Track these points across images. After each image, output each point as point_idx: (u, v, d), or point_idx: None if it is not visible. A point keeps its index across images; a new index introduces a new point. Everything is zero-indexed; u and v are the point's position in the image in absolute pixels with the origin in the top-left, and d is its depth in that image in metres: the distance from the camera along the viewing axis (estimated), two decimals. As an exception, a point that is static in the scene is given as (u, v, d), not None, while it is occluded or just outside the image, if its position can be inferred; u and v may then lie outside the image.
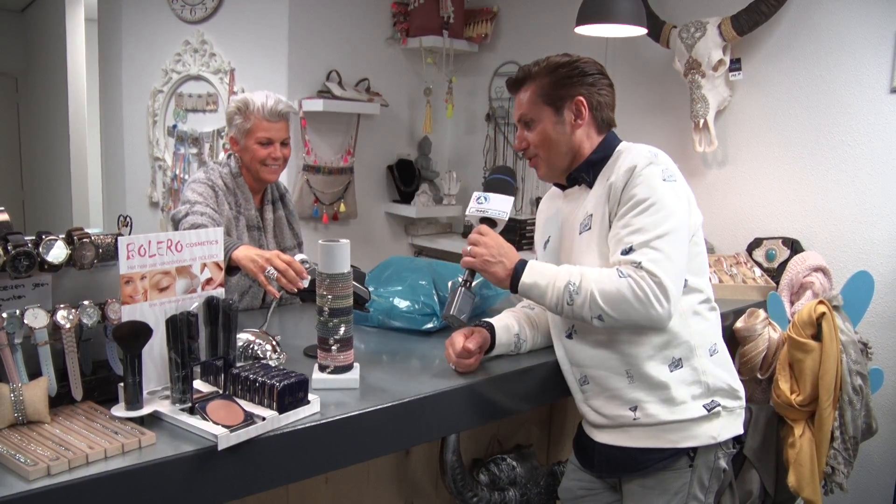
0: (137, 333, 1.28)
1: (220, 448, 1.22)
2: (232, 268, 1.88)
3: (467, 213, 1.68)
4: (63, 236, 1.39)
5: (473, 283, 1.64)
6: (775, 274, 2.66)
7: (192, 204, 2.14)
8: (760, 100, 2.83)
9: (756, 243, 2.80)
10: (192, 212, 2.12)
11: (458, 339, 1.65)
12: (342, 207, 3.80)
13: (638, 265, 1.47)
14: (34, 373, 1.33)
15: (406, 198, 4.11)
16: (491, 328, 1.75)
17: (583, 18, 2.62)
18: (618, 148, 1.67)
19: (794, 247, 2.71)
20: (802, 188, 2.75)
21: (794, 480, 2.16)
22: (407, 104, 4.10)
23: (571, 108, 1.65)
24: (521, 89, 1.70)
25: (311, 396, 1.39)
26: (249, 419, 1.30)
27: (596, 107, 1.66)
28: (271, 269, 1.75)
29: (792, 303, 2.42)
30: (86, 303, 1.39)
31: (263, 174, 2.26)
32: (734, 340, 2.33)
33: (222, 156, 3.57)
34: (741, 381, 2.34)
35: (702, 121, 2.82)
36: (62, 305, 1.36)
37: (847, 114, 2.63)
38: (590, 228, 1.63)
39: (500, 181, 1.70)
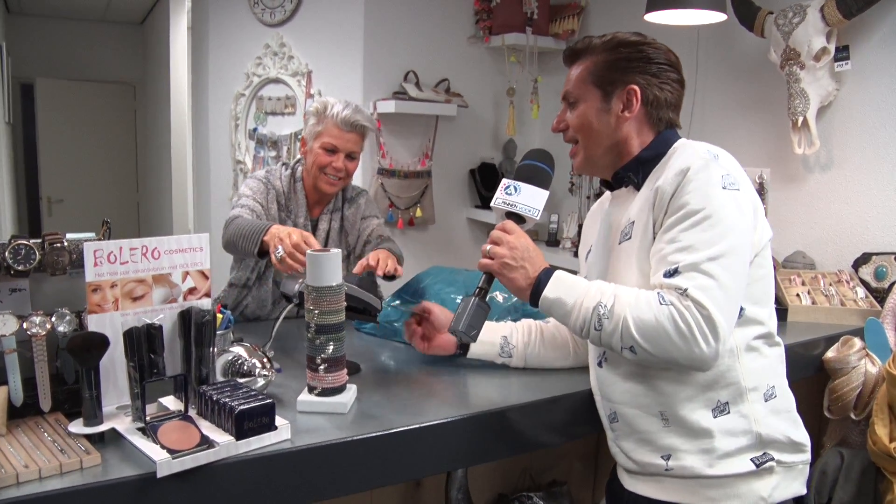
0: (90, 345, 1.20)
1: (158, 475, 1.11)
2: (262, 251, 1.87)
3: (493, 203, 1.44)
4: (38, 241, 1.34)
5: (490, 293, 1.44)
6: (885, 295, 2.28)
7: (240, 196, 2.18)
8: (872, 93, 2.45)
9: (864, 259, 2.42)
10: (238, 204, 2.15)
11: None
12: (418, 212, 3.68)
13: (683, 292, 1.21)
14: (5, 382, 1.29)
15: (488, 203, 3.93)
16: None
17: (654, 4, 2.36)
18: (674, 146, 1.41)
19: (911, 264, 2.32)
20: (923, 196, 2.35)
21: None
22: (491, 105, 3.94)
23: (622, 96, 1.40)
24: (576, 63, 1.46)
25: (280, 422, 1.26)
26: (205, 444, 1.18)
27: (652, 102, 1.40)
28: (280, 249, 1.72)
29: (897, 331, 2.06)
30: (62, 310, 1.33)
31: (321, 183, 2.18)
32: (824, 373, 2.01)
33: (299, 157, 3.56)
34: (833, 420, 2.04)
35: (801, 118, 2.47)
36: (37, 312, 1.30)
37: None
38: (630, 238, 1.39)
39: (533, 169, 1.46)
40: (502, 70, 3.85)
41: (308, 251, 1.41)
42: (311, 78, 3.54)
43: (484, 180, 3.98)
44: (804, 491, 1.39)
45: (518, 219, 1.42)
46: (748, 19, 2.61)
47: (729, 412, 1.33)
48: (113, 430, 1.24)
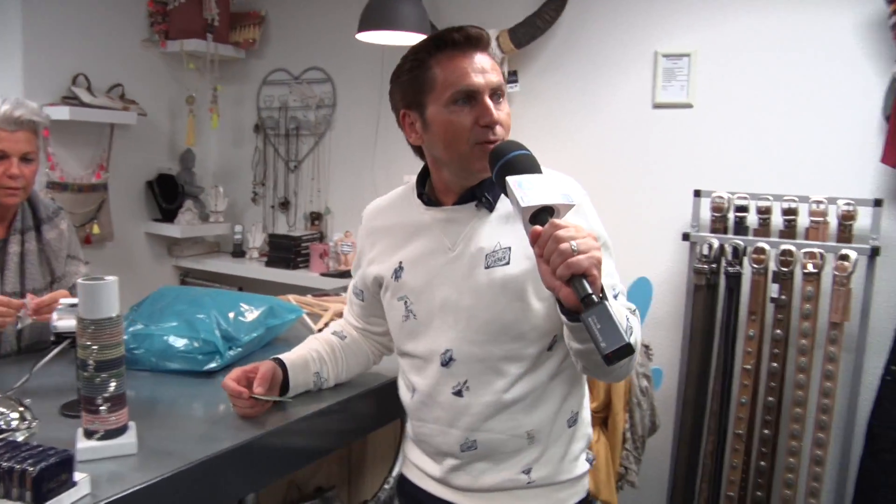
0: None
1: (-51, 566, 0.92)
2: None
3: (524, 203, 1.11)
4: None
5: None
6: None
7: None
8: (535, 112, 2.93)
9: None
10: None
11: (233, 384, 1.40)
12: (95, 229, 3.35)
13: (634, 312, 1.31)
14: None
15: (169, 216, 3.74)
16: (283, 365, 1.49)
17: (365, 25, 2.51)
18: None
19: (573, 255, 2.81)
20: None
21: (592, 485, 2.21)
22: (167, 114, 3.74)
23: None
24: (485, 51, 1.31)
25: (77, 475, 1.11)
26: (-8, 518, 1.00)
27: None
28: None
29: (579, 310, 2.50)
30: None
31: (1, 197, 1.86)
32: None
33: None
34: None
35: (483, 133, 2.84)
36: None
37: (616, 126, 2.79)
38: (507, 263, 1.31)
39: (524, 158, 1.22)
40: (180, 77, 3.68)
41: (79, 281, 1.25)
42: (-50, 77, 2.99)
43: (163, 192, 3.77)
44: None
45: (550, 213, 1.13)
46: (434, 43, 2.90)
47: (577, 421, 1.43)
48: None
